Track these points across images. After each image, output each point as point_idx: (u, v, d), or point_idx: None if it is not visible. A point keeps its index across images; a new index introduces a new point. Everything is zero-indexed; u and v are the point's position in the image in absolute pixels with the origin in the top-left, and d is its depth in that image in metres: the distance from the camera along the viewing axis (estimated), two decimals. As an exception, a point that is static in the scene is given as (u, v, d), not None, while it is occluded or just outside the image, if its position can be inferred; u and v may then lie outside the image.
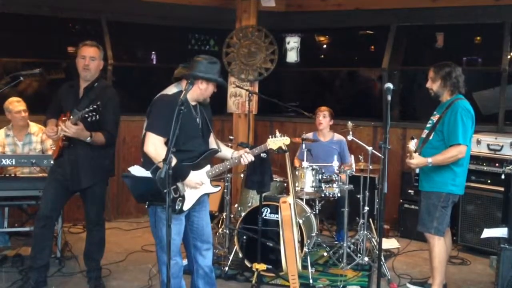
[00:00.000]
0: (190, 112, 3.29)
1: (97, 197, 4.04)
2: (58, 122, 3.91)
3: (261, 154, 3.66)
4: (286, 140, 3.62)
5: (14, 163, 4.35)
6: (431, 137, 3.96)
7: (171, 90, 3.32)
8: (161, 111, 3.23)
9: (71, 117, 3.69)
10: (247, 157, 3.47)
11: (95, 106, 3.59)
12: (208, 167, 3.40)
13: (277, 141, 3.59)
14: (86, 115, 3.58)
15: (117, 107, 3.98)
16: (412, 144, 3.79)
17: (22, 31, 6.24)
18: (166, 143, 3.20)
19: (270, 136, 3.61)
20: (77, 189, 3.96)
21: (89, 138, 3.74)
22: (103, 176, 4.05)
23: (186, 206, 3.30)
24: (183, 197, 3.27)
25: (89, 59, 3.87)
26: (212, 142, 3.55)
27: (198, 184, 3.29)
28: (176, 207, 3.23)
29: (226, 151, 3.58)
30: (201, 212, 3.48)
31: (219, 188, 3.55)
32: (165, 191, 2.84)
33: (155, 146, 3.20)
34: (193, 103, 3.37)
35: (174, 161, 3.11)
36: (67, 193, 4.00)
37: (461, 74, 3.94)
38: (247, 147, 3.60)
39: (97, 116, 3.60)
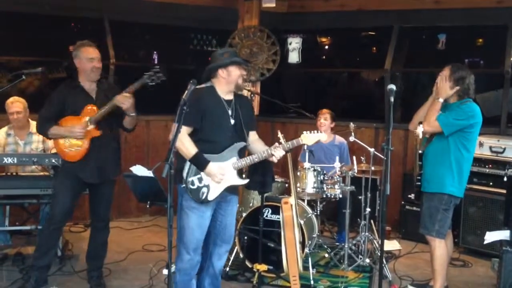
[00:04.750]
0: (220, 105, 3.36)
1: (109, 197, 4.08)
2: (81, 119, 3.83)
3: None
4: (323, 136, 3.49)
5: (15, 161, 4.34)
6: (434, 137, 3.95)
7: (201, 86, 3.40)
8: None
9: (130, 87, 3.77)
10: (278, 151, 3.37)
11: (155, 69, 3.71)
12: (234, 159, 3.38)
13: (312, 137, 3.45)
14: (149, 81, 3.70)
15: None
16: (420, 129, 3.85)
17: (24, 30, 6.23)
18: (192, 133, 3.31)
19: (304, 132, 3.48)
20: (103, 180, 3.92)
21: (134, 113, 3.83)
22: (119, 174, 4.04)
23: (211, 196, 3.34)
24: (207, 186, 3.31)
25: (97, 61, 3.87)
26: (254, 142, 3.56)
27: (218, 175, 3.30)
28: (200, 196, 3.30)
29: (260, 149, 3.53)
30: (227, 211, 3.51)
31: (247, 180, 3.49)
32: (195, 177, 3.03)
33: (179, 136, 3.24)
34: (228, 98, 3.41)
35: (194, 151, 3.24)
36: (79, 195, 4.02)
37: (473, 82, 3.89)
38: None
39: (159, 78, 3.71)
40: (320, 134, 3.47)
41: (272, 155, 3.38)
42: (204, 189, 3.31)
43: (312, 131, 3.48)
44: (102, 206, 4.06)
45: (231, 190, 3.47)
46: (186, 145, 3.28)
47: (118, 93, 3.80)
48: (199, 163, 3.29)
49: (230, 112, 3.39)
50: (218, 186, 3.35)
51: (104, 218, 4.11)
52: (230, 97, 3.43)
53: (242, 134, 3.45)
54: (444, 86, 3.84)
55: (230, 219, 3.53)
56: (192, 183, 3.32)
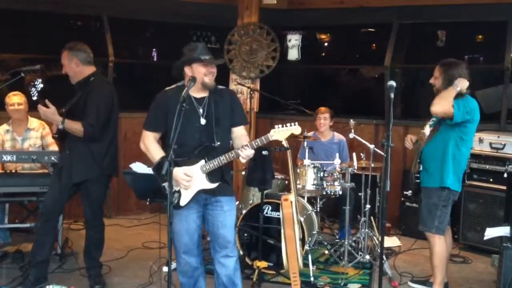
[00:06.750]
0: (188, 105, 3.08)
1: (92, 197, 3.97)
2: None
3: (263, 152, 3.59)
4: (296, 129, 3.07)
5: (15, 159, 4.34)
6: (434, 134, 3.94)
7: (171, 86, 3.31)
8: (151, 106, 3.28)
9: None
10: (245, 151, 3.06)
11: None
12: (202, 161, 3.15)
13: (283, 132, 3.06)
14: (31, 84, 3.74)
15: (100, 100, 3.82)
16: (427, 129, 3.89)
17: (23, 27, 6.22)
18: (162, 138, 3.24)
19: (276, 126, 3.09)
20: (69, 183, 3.88)
21: (60, 124, 3.71)
22: (99, 175, 3.93)
23: (183, 201, 3.19)
24: (178, 192, 3.18)
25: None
26: (238, 138, 3.29)
27: (182, 181, 3.12)
28: (172, 202, 3.12)
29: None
30: (214, 211, 3.27)
31: (216, 184, 3.21)
32: (163, 185, 2.86)
33: (143, 141, 3.24)
34: (199, 96, 3.22)
35: (159, 156, 3.15)
36: (70, 190, 3.98)
37: (466, 74, 3.86)
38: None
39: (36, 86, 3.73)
40: (293, 127, 3.05)
41: (239, 155, 3.07)
42: (175, 195, 3.15)
43: (284, 125, 3.07)
44: (87, 208, 4.02)
45: (214, 192, 3.22)
46: (152, 151, 3.19)
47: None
48: (162, 168, 3.04)
49: (201, 111, 3.18)
50: (188, 191, 3.17)
51: (92, 220, 4.06)
52: (202, 94, 3.21)
53: (213, 131, 3.17)
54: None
55: (220, 221, 3.25)
56: (164, 189, 3.08)
